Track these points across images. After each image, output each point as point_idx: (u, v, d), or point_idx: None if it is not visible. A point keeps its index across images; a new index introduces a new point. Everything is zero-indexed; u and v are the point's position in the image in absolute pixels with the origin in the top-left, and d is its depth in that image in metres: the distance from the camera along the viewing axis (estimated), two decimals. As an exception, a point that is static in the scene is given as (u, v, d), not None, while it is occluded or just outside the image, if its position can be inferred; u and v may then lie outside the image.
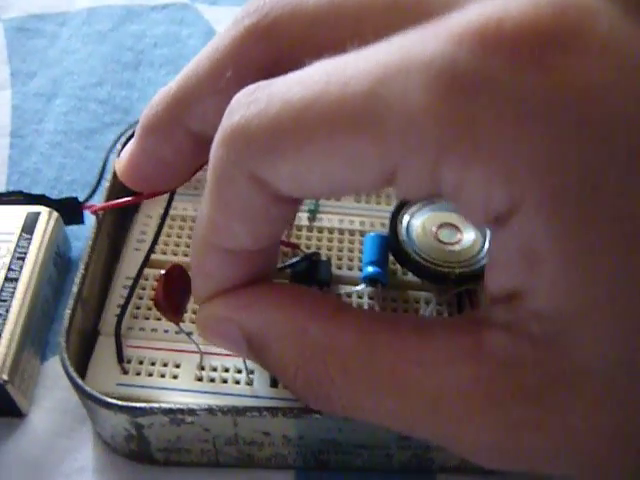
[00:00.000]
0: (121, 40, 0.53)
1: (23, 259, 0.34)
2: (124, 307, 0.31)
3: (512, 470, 0.19)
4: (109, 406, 0.25)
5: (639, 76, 0.15)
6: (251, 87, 0.19)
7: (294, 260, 0.34)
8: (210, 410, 0.25)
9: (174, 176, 0.27)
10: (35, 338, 0.33)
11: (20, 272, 0.33)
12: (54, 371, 0.33)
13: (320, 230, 0.36)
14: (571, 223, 0.15)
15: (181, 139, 0.24)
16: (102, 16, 0.54)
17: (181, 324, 0.28)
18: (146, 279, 0.33)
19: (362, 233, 0.36)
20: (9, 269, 0.33)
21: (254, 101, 0.18)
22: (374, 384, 0.19)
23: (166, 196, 0.31)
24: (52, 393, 0.32)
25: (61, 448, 0.30)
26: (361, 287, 0.33)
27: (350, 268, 0.35)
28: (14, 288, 0.33)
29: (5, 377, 0.29)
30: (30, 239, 0.35)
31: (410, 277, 0.34)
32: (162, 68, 0.51)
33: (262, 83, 0.19)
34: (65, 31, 0.53)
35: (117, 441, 0.29)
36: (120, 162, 0.27)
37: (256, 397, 0.28)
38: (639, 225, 0.15)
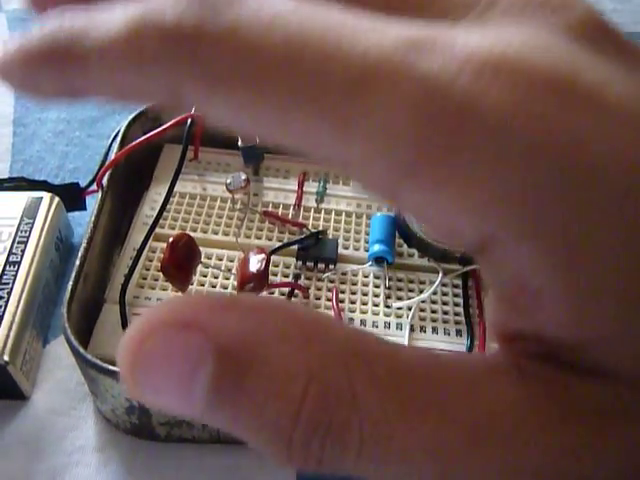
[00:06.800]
0: (124, 30, 0.52)
1: (25, 243, 0.34)
2: (129, 275, 0.31)
3: None
4: (111, 374, 0.25)
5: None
6: None
7: (300, 237, 0.33)
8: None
9: None
10: (37, 321, 0.32)
11: (21, 256, 0.33)
12: (56, 353, 0.33)
13: (328, 212, 0.36)
14: (559, 252, 0.14)
15: None
16: (105, 7, 0.54)
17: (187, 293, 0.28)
18: (153, 251, 0.33)
19: (369, 216, 0.36)
20: (11, 253, 0.33)
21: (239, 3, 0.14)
22: (406, 401, 0.15)
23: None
24: (53, 374, 0.32)
25: (62, 427, 0.30)
26: (367, 265, 0.33)
27: (357, 249, 0.34)
28: (16, 271, 0.32)
29: (6, 358, 0.29)
30: (32, 223, 0.35)
31: (416, 259, 0.34)
32: (165, 58, 0.51)
33: None
34: (68, 22, 0.53)
35: (118, 414, 0.28)
36: None
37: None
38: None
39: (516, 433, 0.15)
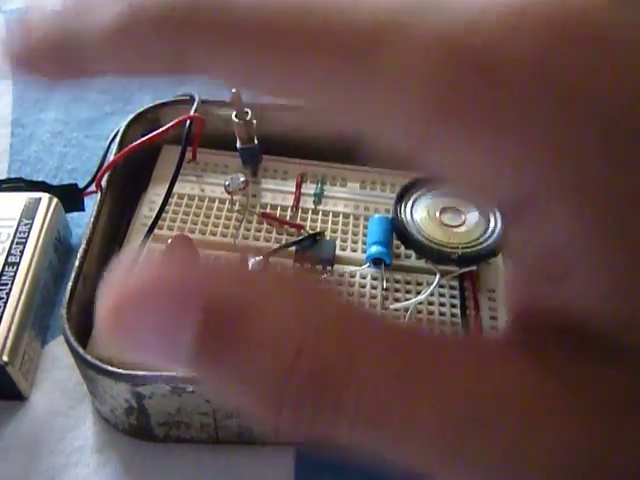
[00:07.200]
0: (122, 31, 0.53)
1: (23, 244, 0.34)
2: (127, 276, 0.31)
3: None
4: (110, 374, 0.25)
5: None
6: None
7: (298, 238, 0.33)
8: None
9: None
10: (35, 322, 0.32)
11: (20, 257, 0.33)
12: (54, 354, 0.33)
13: (325, 214, 0.36)
14: (606, 210, 0.13)
15: None
16: (103, 8, 0.54)
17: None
18: (152, 252, 0.33)
19: (366, 218, 0.36)
20: (9, 254, 0.33)
21: None
22: (409, 372, 0.13)
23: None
24: (52, 374, 0.32)
25: (60, 427, 0.30)
26: (365, 267, 0.33)
27: (354, 250, 0.34)
28: (14, 272, 0.32)
29: (5, 359, 0.29)
30: (30, 224, 0.35)
31: (413, 260, 0.34)
32: (163, 59, 0.51)
33: None
34: (66, 22, 0.53)
35: (117, 415, 0.28)
36: None
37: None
38: None
39: (526, 417, 0.14)
